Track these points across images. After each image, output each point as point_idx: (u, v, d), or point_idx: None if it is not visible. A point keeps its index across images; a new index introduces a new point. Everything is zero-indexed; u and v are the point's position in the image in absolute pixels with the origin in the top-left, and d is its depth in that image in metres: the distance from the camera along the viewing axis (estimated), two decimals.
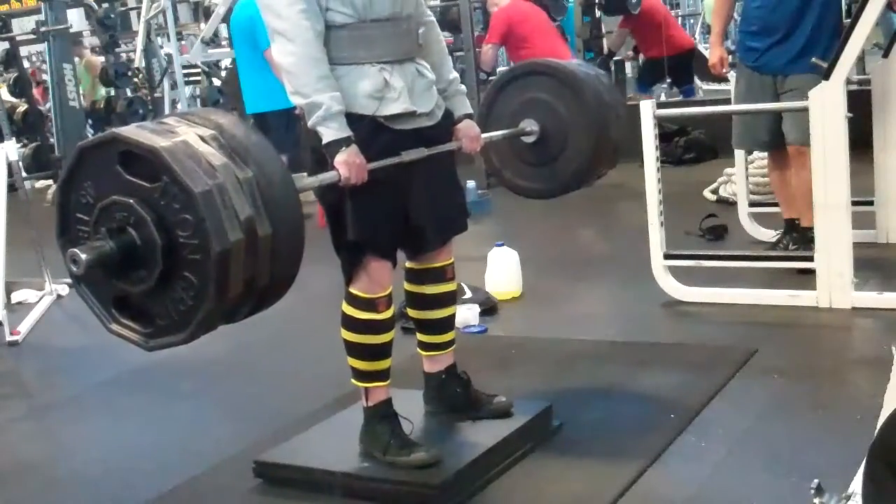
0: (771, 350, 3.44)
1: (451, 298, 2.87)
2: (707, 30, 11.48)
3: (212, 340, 4.53)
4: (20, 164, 5.61)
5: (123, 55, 11.12)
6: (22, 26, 11.23)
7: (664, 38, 7.80)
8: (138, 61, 9.97)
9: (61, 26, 10.15)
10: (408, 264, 2.82)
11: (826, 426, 2.81)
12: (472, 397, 2.87)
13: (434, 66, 2.75)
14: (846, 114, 3.72)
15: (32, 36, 10.50)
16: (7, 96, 10.64)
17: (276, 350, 4.15)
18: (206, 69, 9.55)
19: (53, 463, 3.21)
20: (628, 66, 9.70)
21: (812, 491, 1.93)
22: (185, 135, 1.92)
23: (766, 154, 4.76)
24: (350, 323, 2.64)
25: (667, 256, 4.08)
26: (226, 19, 8.83)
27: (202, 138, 1.92)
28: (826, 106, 3.74)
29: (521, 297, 4.41)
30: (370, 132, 2.51)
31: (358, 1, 2.50)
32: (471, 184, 6.49)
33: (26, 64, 11.43)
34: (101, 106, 11.00)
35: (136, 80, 10.60)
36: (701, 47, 9.56)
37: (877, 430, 1.75)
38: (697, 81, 8.83)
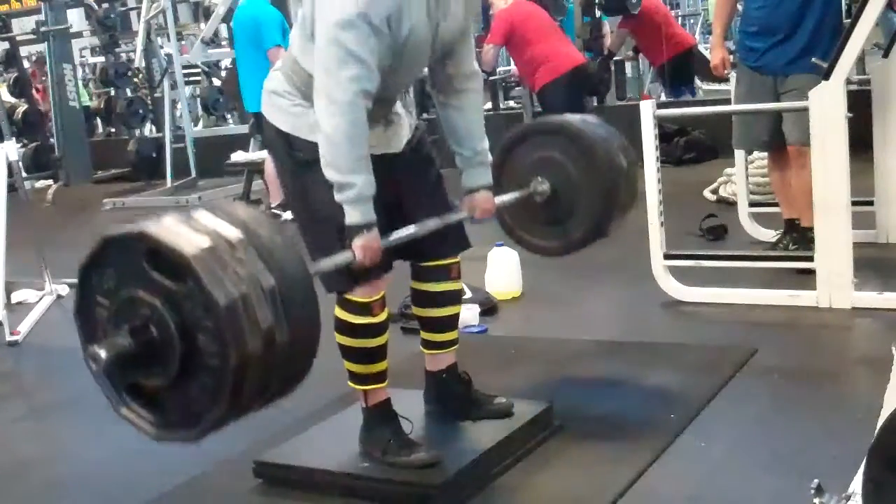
0: (771, 350, 3.44)
1: (455, 297, 2.87)
2: (707, 30, 11.49)
3: None
4: (20, 164, 5.61)
5: (123, 55, 11.11)
6: (22, 26, 11.24)
7: (666, 38, 7.81)
8: (138, 61, 9.97)
9: (61, 26, 10.17)
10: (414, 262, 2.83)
11: (826, 426, 2.81)
12: (472, 397, 2.87)
13: (463, 131, 2.75)
14: (846, 114, 3.72)
15: (32, 36, 10.51)
16: (7, 96, 10.64)
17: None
18: (206, 69, 9.56)
19: (53, 463, 3.21)
20: (628, 67, 9.71)
21: (812, 491, 1.93)
22: (213, 237, 1.90)
23: (766, 154, 4.76)
24: (344, 327, 2.63)
25: (667, 256, 4.08)
26: (226, 19, 8.85)
27: (229, 242, 1.91)
28: (826, 106, 3.74)
29: (521, 297, 4.41)
30: None
31: (385, 71, 2.45)
32: None
33: (26, 64, 11.43)
34: (103, 106, 11.04)
35: (136, 80, 10.62)
36: (701, 47, 9.56)
37: (877, 430, 1.76)
38: (697, 81, 8.84)
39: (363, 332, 2.62)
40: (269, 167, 6.64)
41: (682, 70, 8.08)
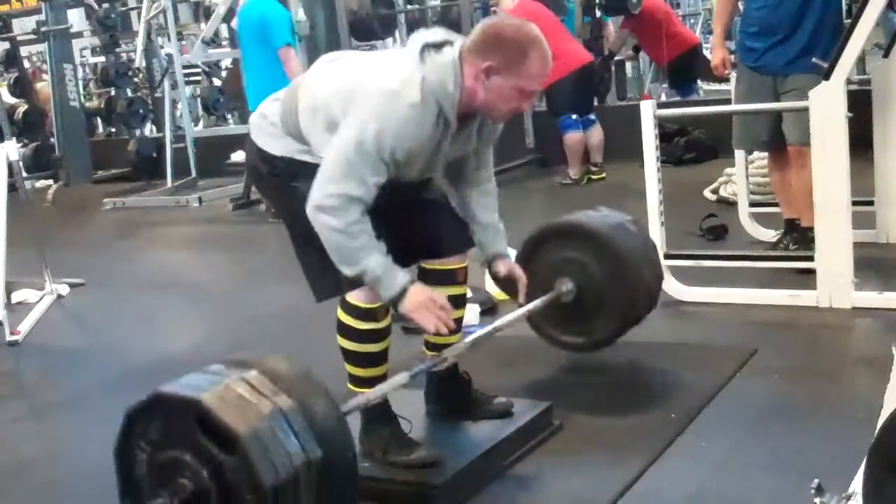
0: (771, 350, 3.44)
1: (461, 302, 2.87)
2: (708, 29, 11.49)
3: (212, 340, 4.57)
4: (20, 163, 5.60)
5: (123, 55, 11.11)
6: (22, 26, 11.23)
7: (670, 37, 7.82)
8: (139, 61, 9.97)
9: (61, 26, 10.16)
10: (421, 265, 2.83)
11: (826, 426, 2.81)
12: (472, 397, 2.87)
13: (479, 216, 2.81)
14: (846, 114, 3.71)
15: (32, 36, 10.51)
16: (7, 97, 10.64)
17: (275, 350, 4.13)
18: (207, 69, 9.55)
19: (53, 463, 3.20)
20: (628, 67, 9.71)
21: (812, 491, 1.93)
22: (267, 410, 1.95)
23: (766, 154, 4.76)
24: (348, 332, 2.63)
25: (667, 256, 4.07)
26: (226, 19, 8.84)
27: (284, 414, 1.96)
28: (826, 106, 3.74)
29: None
30: None
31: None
32: None
33: (26, 64, 11.42)
34: (103, 106, 11.03)
35: (136, 80, 10.61)
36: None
37: (877, 430, 1.76)
38: (698, 81, 8.84)
39: (367, 337, 2.62)
40: None
41: (687, 69, 8.10)
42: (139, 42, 9.78)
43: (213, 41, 9.75)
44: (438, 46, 2.47)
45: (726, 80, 4.75)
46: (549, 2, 7.87)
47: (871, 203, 4.59)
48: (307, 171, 2.49)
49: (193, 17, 11.08)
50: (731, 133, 4.67)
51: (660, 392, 3.20)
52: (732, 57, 4.69)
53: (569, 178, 7.33)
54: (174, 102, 9.91)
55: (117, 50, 10.67)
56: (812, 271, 3.86)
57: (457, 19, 8.84)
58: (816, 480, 1.92)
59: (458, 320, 2.85)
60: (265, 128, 2.63)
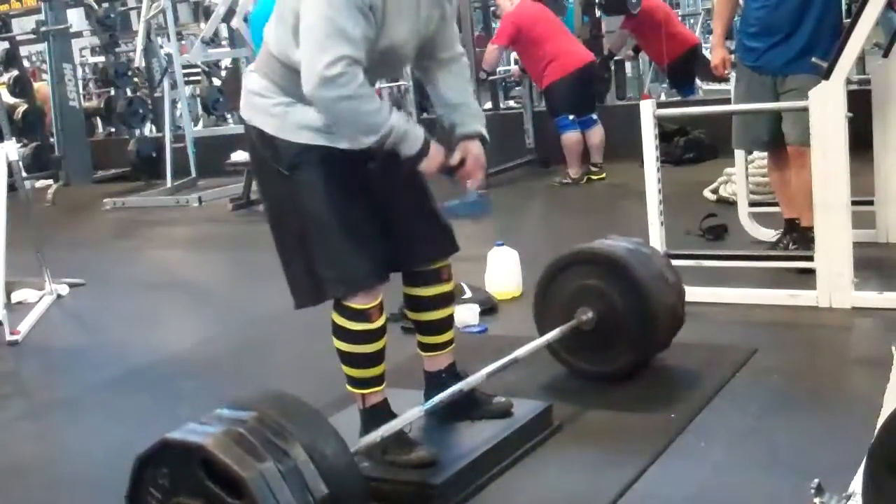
0: (771, 350, 3.44)
1: (448, 299, 2.85)
2: (708, 29, 11.48)
3: (212, 340, 4.56)
4: (20, 163, 5.60)
5: (123, 55, 11.11)
6: (22, 26, 11.23)
7: (670, 37, 7.82)
8: (138, 61, 9.96)
9: (61, 26, 10.17)
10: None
11: (826, 426, 2.81)
12: (471, 397, 2.87)
13: (455, 94, 2.74)
14: (846, 114, 3.71)
15: (32, 36, 10.51)
16: (7, 97, 10.64)
17: (275, 349, 4.15)
18: (206, 69, 9.55)
19: (53, 463, 3.21)
20: (628, 66, 9.70)
21: (812, 491, 1.93)
22: (272, 454, 1.97)
23: (766, 154, 4.75)
24: (342, 333, 2.62)
25: (667, 256, 4.07)
26: (226, 19, 8.84)
27: (290, 458, 1.98)
28: (826, 106, 3.74)
29: (521, 297, 4.41)
30: (322, 158, 2.51)
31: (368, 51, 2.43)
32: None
33: (26, 64, 11.42)
34: (103, 106, 11.03)
35: (136, 80, 10.61)
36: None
37: (877, 430, 1.76)
38: (698, 81, 8.84)
39: (361, 338, 2.60)
40: None
41: (686, 69, 8.11)
42: (139, 42, 9.77)
43: (213, 41, 9.75)
44: None
45: (726, 79, 4.75)
46: (549, 2, 7.89)
47: (870, 203, 4.59)
48: (309, 156, 2.49)
49: (193, 17, 11.08)
50: (731, 133, 4.67)
51: (659, 392, 3.18)
52: (732, 57, 4.69)
53: (568, 177, 7.33)
54: (174, 102, 9.91)
55: (117, 50, 10.66)
56: (812, 271, 3.86)
57: (456, 19, 8.83)
58: (816, 480, 1.92)
59: (449, 318, 2.86)
60: (256, 104, 2.57)
